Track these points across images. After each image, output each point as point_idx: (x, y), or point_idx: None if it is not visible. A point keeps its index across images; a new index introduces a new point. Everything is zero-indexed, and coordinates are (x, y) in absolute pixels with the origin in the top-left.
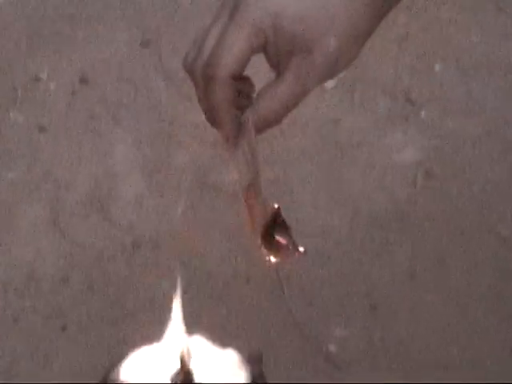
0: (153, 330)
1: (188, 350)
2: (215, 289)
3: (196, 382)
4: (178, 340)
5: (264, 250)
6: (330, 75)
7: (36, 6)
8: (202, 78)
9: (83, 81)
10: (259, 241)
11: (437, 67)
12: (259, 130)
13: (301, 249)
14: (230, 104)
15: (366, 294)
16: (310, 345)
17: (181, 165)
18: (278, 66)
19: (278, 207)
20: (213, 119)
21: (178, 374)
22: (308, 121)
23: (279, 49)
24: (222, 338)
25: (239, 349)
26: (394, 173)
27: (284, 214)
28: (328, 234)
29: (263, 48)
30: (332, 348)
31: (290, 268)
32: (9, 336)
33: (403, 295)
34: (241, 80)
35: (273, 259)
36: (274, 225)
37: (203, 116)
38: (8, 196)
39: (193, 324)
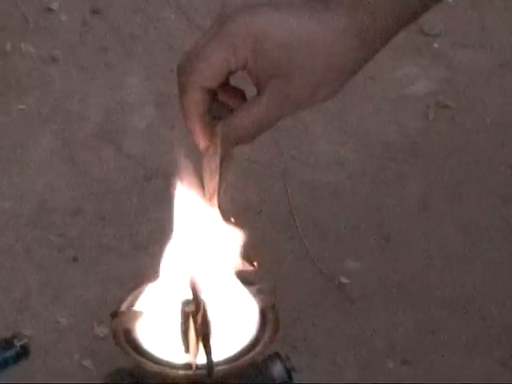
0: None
1: (199, 280)
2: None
3: (207, 311)
4: (188, 271)
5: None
6: (308, 104)
7: None
8: (178, 84)
9: (95, 11)
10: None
11: None
12: (229, 143)
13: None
14: (201, 112)
15: (379, 226)
16: (323, 277)
17: None
18: (258, 86)
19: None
20: (186, 126)
21: (189, 302)
22: None
23: (259, 70)
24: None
25: (251, 281)
26: (406, 105)
27: (296, 147)
28: (340, 167)
29: (244, 67)
30: (344, 280)
31: (302, 201)
32: (20, 268)
33: (416, 227)
34: (226, 93)
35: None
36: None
37: None
38: (19, 128)
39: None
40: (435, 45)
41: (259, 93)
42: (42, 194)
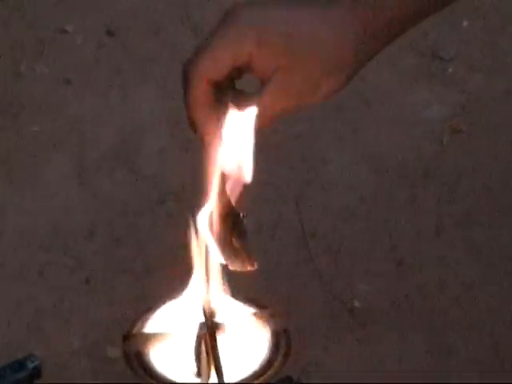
0: (176, 284)
1: (212, 303)
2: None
3: (220, 336)
4: (202, 294)
5: (223, 254)
6: (311, 98)
7: None
8: (182, 77)
9: (110, 33)
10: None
11: (464, 24)
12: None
13: (255, 265)
14: (205, 103)
15: (392, 250)
16: (335, 300)
17: None
18: (262, 80)
19: (243, 215)
20: (189, 120)
21: (202, 326)
22: None
23: (263, 63)
24: (246, 293)
25: (264, 304)
26: (420, 129)
27: (310, 170)
28: (354, 190)
29: (248, 62)
30: (357, 304)
31: (316, 224)
32: (33, 289)
33: (429, 251)
34: (234, 89)
35: (230, 267)
36: (235, 232)
37: None
38: (34, 149)
39: (217, 281)
40: (449, 70)
41: (263, 85)
42: (55, 215)
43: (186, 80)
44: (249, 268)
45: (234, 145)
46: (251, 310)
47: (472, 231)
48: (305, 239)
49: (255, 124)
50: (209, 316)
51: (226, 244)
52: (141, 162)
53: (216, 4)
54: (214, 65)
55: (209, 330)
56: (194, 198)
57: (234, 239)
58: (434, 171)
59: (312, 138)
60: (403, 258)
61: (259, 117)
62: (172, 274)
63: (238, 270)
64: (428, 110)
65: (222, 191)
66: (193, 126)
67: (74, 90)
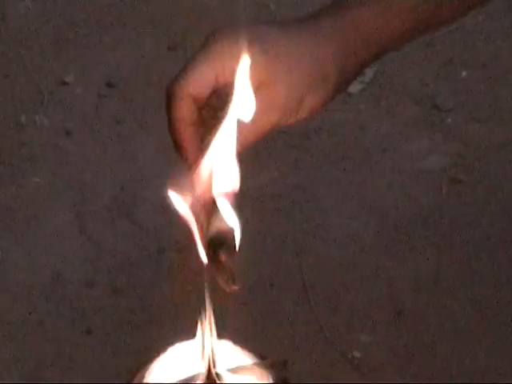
0: (178, 336)
1: (213, 353)
2: (239, 294)
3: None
4: (203, 344)
5: (207, 266)
6: (296, 113)
7: (62, 10)
8: (166, 96)
9: (110, 85)
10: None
11: (463, 73)
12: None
13: (235, 287)
14: (189, 123)
15: (391, 301)
16: (335, 351)
17: None
18: None
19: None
20: (172, 137)
21: (203, 377)
22: (334, 126)
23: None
24: (246, 344)
25: (263, 354)
26: (419, 179)
27: (310, 220)
28: (353, 240)
29: (231, 78)
30: (357, 354)
31: (315, 274)
32: (33, 339)
33: (428, 302)
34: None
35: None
36: (224, 246)
37: None
38: (33, 200)
39: (217, 329)
40: (449, 119)
41: None
42: (55, 266)
43: (170, 98)
44: (230, 288)
45: (218, 161)
46: (251, 359)
47: (471, 281)
48: (305, 289)
49: (240, 141)
50: (211, 365)
51: (213, 257)
52: (141, 213)
53: None
54: (198, 82)
55: (210, 381)
56: (195, 248)
57: (221, 253)
58: (433, 221)
59: (311, 188)
60: (403, 308)
61: (244, 133)
62: (174, 324)
63: (220, 286)
64: (427, 160)
65: (213, 207)
66: (178, 147)
67: (74, 141)
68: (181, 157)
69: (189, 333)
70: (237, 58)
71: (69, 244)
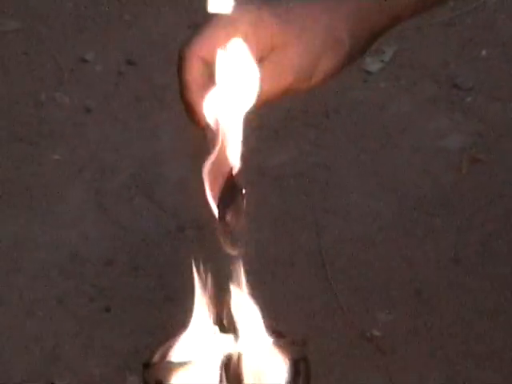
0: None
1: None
2: (260, 273)
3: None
4: (223, 323)
5: (217, 225)
6: (308, 78)
7: None
8: (178, 59)
9: (130, 62)
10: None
11: (483, 53)
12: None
13: (237, 251)
14: (201, 83)
15: (411, 279)
16: (355, 329)
17: None
18: (259, 61)
19: (244, 192)
20: (183, 100)
21: (224, 356)
22: (354, 105)
23: (260, 43)
24: (266, 322)
25: (284, 333)
26: (439, 158)
27: (329, 198)
28: (373, 219)
29: (244, 41)
30: (376, 333)
31: (335, 253)
32: (53, 317)
33: (448, 280)
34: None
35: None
36: (232, 206)
37: None
38: (53, 177)
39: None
40: (468, 99)
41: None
42: (74, 243)
43: (181, 60)
44: (231, 252)
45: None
46: (271, 338)
47: (490, 260)
48: (324, 268)
49: (251, 104)
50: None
51: (220, 217)
52: (160, 191)
53: None
54: (209, 43)
55: (230, 359)
56: (214, 226)
57: (228, 214)
58: (453, 200)
59: (331, 167)
60: (422, 287)
61: (256, 96)
62: (193, 302)
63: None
64: (447, 140)
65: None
66: (189, 110)
67: (93, 119)
68: (191, 120)
69: (208, 311)
70: (249, 23)
71: (88, 222)
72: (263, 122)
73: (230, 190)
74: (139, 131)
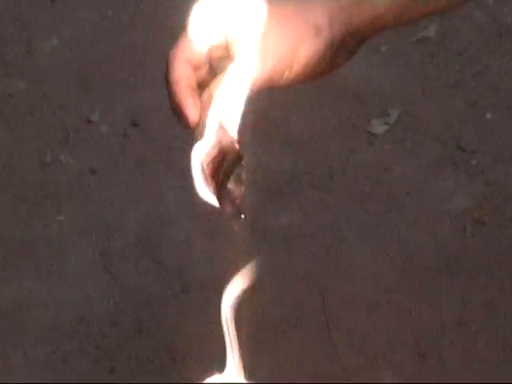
0: (201, 376)
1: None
2: (263, 333)
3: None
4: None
5: (216, 194)
6: (289, 64)
7: (88, 49)
8: (166, 63)
9: (134, 124)
10: (213, 182)
11: (488, 115)
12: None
13: (241, 216)
14: (189, 85)
15: (415, 342)
16: None
17: None
18: None
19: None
20: (170, 101)
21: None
22: (358, 167)
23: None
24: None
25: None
26: (443, 220)
27: (335, 260)
28: (377, 281)
29: (225, 41)
30: None
31: (339, 315)
32: (57, 378)
33: (452, 343)
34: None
35: (218, 205)
36: (233, 176)
37: None
38: (58, 238)
39: (241, 368)
40: (473, 161)
41: None
42: (79, 304)
43: (167, 63)
44: (236, 217)
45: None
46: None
47: (495, 322)
48: (328, 330)
49: (241, 90)
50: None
51: (221, 187)
52: (165, 252)
53: None
54: (193, 45)
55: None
56: (220, 287)
57: (229, 182)
58: (457, 262)
59: (336, 229)
60: (426, 350)
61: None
62: (198, 364)
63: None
64: (452, 202)
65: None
66: (176, 112)
67: (99, 180)
68: (180, 121)
69: (213, 373)
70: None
71: (93, 283)
72: (269, 184)
73: (231, 161)
74: (144, 192)
